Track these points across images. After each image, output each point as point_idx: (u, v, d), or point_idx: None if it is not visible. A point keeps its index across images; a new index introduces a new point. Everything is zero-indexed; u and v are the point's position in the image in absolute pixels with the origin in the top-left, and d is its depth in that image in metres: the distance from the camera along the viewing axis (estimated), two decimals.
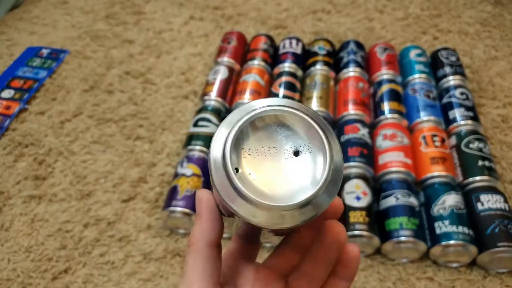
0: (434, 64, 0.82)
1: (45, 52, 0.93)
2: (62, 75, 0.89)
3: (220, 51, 0.86)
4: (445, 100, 0.75)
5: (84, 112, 0.82)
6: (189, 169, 0.65)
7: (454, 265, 0.58)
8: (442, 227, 0.56)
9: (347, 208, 0.59)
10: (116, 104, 0.83)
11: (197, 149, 0.68)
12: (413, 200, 0.60)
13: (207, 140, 0.69)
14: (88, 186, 0.69)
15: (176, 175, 0.64)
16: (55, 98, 0.84)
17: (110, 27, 1.00)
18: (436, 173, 0.63)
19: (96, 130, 0.78)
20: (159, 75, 0.89)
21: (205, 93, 0.77)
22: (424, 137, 0.68)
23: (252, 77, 0.80)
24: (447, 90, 0.76)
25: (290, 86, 0.78)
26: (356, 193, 0.60)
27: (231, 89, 0.80)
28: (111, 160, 0.74)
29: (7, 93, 0.84)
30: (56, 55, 0.92)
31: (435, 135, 0.68)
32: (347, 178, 0.63)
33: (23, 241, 0.63)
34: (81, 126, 0.79)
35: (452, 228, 0.56)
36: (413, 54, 0.83)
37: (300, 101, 0.77)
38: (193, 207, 0.60)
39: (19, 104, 0.81)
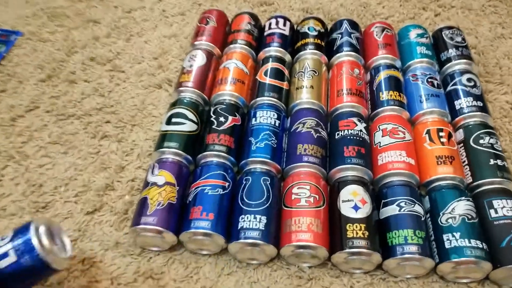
0: (436, 46, 0.74)
1: None
2: (13, 62, 0.77)
3: (197, 33, 0.76)
4: (450, 87, 0.67)
5: (40, 106, 0.71)
6: (161, 176, 0.56)
7: (464, 280, 0.52)
8: (452, 240, 0.49)
9: (344, 220, 0.51)
10: (78, 96, 0.73)
11: (170, 152, 0.59)
12: (418, 209, 0.52)
13: (183, 140, 0.60)
14: (45, 197, 0.60)
15: (146, 185, 0.56)
16: (4, 89, 0.73)
17: (71, 4, 0.88)
18: (443, 175, 0.56)
19: (55, 128, 0.68)
20: (129, 61, 0.78)
21: (180, 84, 0.68)
22: (428, 132, 0.60)
23: (234, 63, 0.70)
24: (452, 76, 0.68)
25: (277, 74, 0.68)
26: (354, 202, 0.53)
27: (210, 77, 0.70)
28: (73, 163, 0.64)
29: None
30: (6, 38, 0.80)
31: (440, 130, 0.60)
32: (343, 184, 0.55)
33: None
34: (36, 123, 0.69)
35: (464, 242, 0.49)
36: (413, 34, 0.74)
37: (288, 91, 0.68)
38: (166, 224, 0.52)
39: None
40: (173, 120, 0.62)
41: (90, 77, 0.76)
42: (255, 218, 0.51)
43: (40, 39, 0.82)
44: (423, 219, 0.52)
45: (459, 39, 0.72)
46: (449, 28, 0.74)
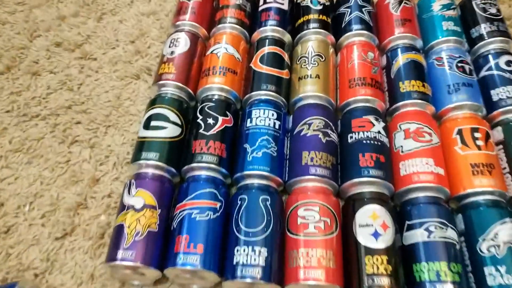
0: (465, 19, 0.62)
1: None
2: None
3: (179, 10, 0.63)
4: (484, 73, 0.56)
5: None
6: (139, 198, 0.46)
7: None
8: (497, 276, 0.41)
9: (362, 251, 0.42)
10: (43, 92, 0.62)
11: (150, 165, 0.49)
12: (451, 234, 0.43)
13: (164, 149, 0.50)
14: (7, 219, 0.51)
15: (123, 208, 0.46)
16: None
17: None
18: (480, 189, 0.46)
19: (16, 132, 0.58)
20: (101, 46, 0.67)
21: (159, 76, 0.56)
22: (460, 133, 0.50)
23: (224, 48, 0.58)
24: (486, 58, 0.57)
25: (275, 61, 0.57)
26: (374, 227, 0.43)
27: (195, 66, 0.59)
28: (39, 176, 0.54)
29: None
30: None
31: (475, 130, 0.50)
32: (359, 203, 0.46)
33: None
34: None
35: None
36: (437, 6, 0.62)
37: (289, 81, 0.57)
38: (147, 259, 0.43)
39: None
40: (152, 123, 0.52)
41: (56, 67, 0.64)
42: (253, 251, 0.42)
43: None
44: (458, 247, 0.43)
45: (493, 10, 0.60)
46: None
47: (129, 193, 0.47)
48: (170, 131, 0.51)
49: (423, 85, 0.54)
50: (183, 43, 0.59)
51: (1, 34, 0.68)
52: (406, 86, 0.54)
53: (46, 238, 0.50)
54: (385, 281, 0.40)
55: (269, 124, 0.51)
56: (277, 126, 0.51)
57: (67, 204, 0.52)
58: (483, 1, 0.61)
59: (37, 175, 0.54)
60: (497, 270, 0.41)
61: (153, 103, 0.54)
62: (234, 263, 0.42)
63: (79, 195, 0.52)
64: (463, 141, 0.49)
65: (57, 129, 0.58)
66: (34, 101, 0.61)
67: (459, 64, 0.55)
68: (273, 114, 0.52)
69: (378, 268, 0.41)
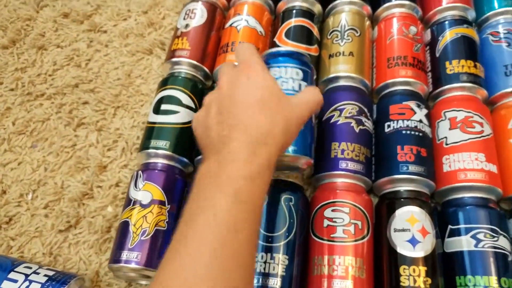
0: None
1: None
2: None
3: None
4: None
5: (3, 81, 0.57)
6: (146, 192, 0.41)
7: None
8: None
9: (397, 260, 0.37)
10: (49, 68, 0.57)
11: (159, 155, 0.44)
12: (503, 243, 0.37)
13: (176, 137, 0.45)
14: (8, 208, 0.48)
15: (128, 203, 0.42)
16: None
17: None
18: None
19: (21, 112, 0.54)
20: (112, 17, 0.61)
21: (172, 53, 0.51)
22: None
23: (245, 20, 0.52)
24: None
25: (303, 35, 0.50)
26: (411, 232, 0.38)
27: (212, 41, 0.53)
28: (43, 161, 0.51)
29: None
30: None
31: None
32: (396, 203, 0.40)
33: None
34: None
35: None
36: None
37: (318, 58, 0.50)
38: (154, 261, 0.38)
39: None
40: (163, 107, 0.46)
41: (63, 41, 0.59)
42: (272, 258, 0.37)
43: None
44: (510, 258, 0.37)
45: None
46: None
47: (135, 186, 0.42)
48: (182, 116, 0.46)
49: (475, 66, 0.46)
50: (199, 15, 0.53)
51: (6, 4, 0.63)
52: (454, 66, 0.46)
53: (49, 230, 0.46)
54: None
55: None
56: None
57: (72, 193, 0.48)
58: None
59: (41, 160, 0.51)
60: None
61: (164, 83, 0.49)
62: None
63: (84, 183, 0.48)
64: None
65: (62, 109, 0.54)
66: (40, 78, 0.56)
67: None
68: None
69: (415, 280, 0.36)
